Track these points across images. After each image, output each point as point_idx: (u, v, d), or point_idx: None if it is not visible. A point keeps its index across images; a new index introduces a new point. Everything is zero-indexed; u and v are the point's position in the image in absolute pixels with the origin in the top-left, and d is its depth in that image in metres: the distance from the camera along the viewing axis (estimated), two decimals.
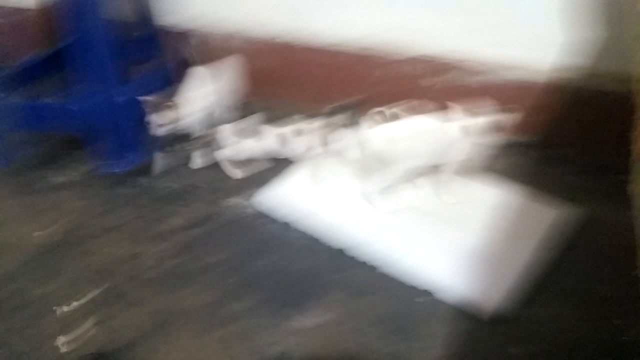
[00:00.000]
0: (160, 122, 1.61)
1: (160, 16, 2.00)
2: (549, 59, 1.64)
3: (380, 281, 1.29)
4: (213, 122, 1.77)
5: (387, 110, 1.47)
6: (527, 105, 1.70)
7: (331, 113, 1.32)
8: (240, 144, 1.65)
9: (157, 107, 1.60)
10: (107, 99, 1.63)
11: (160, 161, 1.72)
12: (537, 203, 1.47)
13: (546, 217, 1.43)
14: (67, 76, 2.04)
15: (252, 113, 1.78)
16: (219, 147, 1.66)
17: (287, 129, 1.72)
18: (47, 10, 1.95)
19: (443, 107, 1.50)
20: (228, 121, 1.76)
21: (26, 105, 1.73)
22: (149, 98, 1.61)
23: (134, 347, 1.15)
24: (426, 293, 1.25)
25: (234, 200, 1.57)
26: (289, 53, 1.92)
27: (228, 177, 1.66)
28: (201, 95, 1.74)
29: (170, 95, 1.68)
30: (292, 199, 1.52)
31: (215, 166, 1.70)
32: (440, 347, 1.13)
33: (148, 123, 1.62)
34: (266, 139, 1.68)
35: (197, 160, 1.72)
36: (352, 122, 1.35)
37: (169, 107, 1.62)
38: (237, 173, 1.66)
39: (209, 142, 1.66)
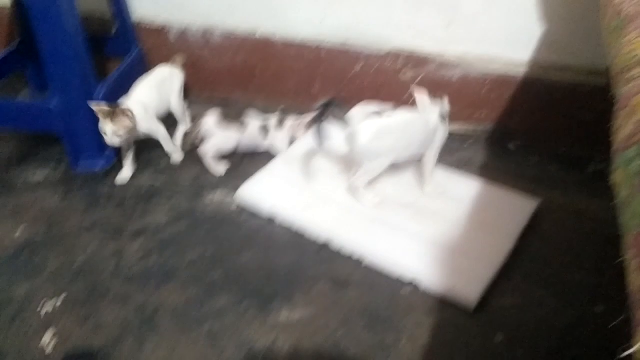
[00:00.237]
0: (116, 132, 1.50)
1: (137, 11, 1.98)
2: (526, 53, 1.67)
3: (365, 274, 1.31)
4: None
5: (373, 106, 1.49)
6: (505, 98, 1.73)
7: (320, 108, 1.31)
8: (224, 135, 1.66)
9: (112, 115, 1.50)
10: (84, 97, 1.61)
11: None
12: (515, 195, 1.50)
13: (525, 208, 1.45)
14: (41, 72, 2.02)
15: (230, 107, 1.78)
16: (202, 140, 1.65)
17: (269, 122, 1.72)
18: (20, 6, 1.91)
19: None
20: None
21: (3, 103, 1.70)
22: (100, 105, 1.51)
23: (120, 343, 1.14)
24: (410, 284, 1.26)
25: (217, 196, 1.57)
26: (269, 48, 1.91)
27: (210, 173, 1.65)
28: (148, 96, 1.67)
29: (124, 99, 1.60)
30: (275, 193, 1.52)
31: (197, 162, 1.69)
32: (426, 336, 1.15)
33: (102, 133, 1.51)
34: (249, 130, 1.69)
35: (176, 155, 1.71)
36: (339, 117, 1.35)
37: (124, 114, 1.51)
38: (220, 170, 1.66)
39: (194, 136, 1.66)
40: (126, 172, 1.64)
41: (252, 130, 1.69)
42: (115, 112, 1.49)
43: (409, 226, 1.39)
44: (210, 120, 1.65)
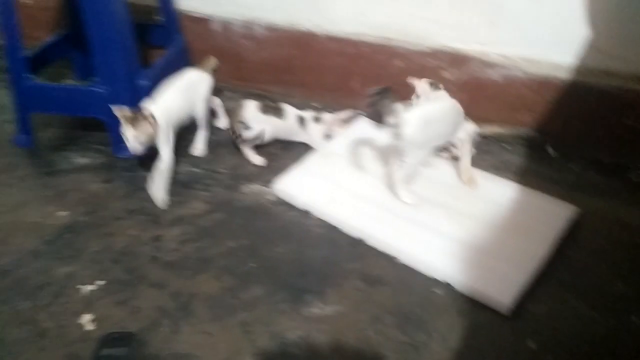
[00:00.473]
0: (137, 137, 1.46)
1: (181, 1, 2.01)
2: (571, 56, 1.64)
3: (398, 272, 1.31)
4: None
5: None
6: (547, 101, 1.70)
7: (376, 93, 1.31)
8: (262, 124, 1.68)
9: (134, 120, 1.46)
10: (130, 83, 1.65)
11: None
12: (553, 200, 1.48)
13: (562, 214, 1.43)
14: (86, 60, 2.06)
15: (268, 100, 1.80)
16: (241, 130, 1.68)
17: (307, 113, 1.74)
18: None
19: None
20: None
21: (51, 87, 1.75)
22: (123, 110, 1.47)
23: (156, 327, 1.17)
24: (444, 285, 1.26)
25: (255, 186, 1.59)
26: (310, 41, 1.92)
27: (248, 163, 1.68)
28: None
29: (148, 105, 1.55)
30: (311, 187, 1.53)
31: (235, 153, 1.72)
32: (457, 339, 1.15)
33: (124, 139, 1.47)
34: (287, 120, 1.71)
35: (199, 146, 1.74)
36: (388, 107, 1.34)
37: (146, 120, 1.48)
38: (258, 160, 1.68)
39: (233, 125, 1.69)
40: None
41: (290, 120, 1.72)
42: (137, 117, 1.46)
43: (444, 227, 1.39)
44: (249, 110, 1.67)
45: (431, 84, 1.61)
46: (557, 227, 1.39)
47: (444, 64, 1.78)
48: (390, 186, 1.49)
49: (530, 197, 1.50)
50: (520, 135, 1.77)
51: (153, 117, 1.49)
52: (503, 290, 1.22)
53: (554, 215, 1.43)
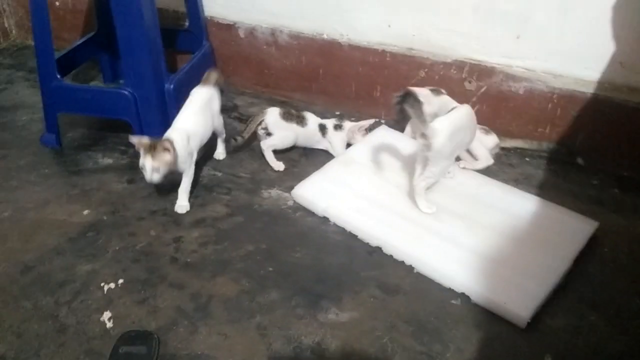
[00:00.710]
0: (156, 168, 1.42)
1: (209, 7, 2.04)
2: (596, 71, 1.63)
3: (415, 281, 1.31)
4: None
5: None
6: (571, 115, 1.69)
7: (402, 96, 1.32)
8: (284, 130, 1.71)
9: (152, 149, 1.42)
10: (156, 86, 1.68)
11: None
12: (574, 215, 1.46)
13: (583, 229, 1.42)
14: (114, 62, 2.11)
15: (290, 107, 1.81)
16: (263, 135, 1.71)
17: (328, 121, 1.76)
18: None
19: None
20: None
21: (79, 89, 1.79)
22: (142, 139, 1.44)
23: (174, 327, 1.18)
24: (462, 295, 1.26)
25: (274, 192, 1.60)
26: (335, 49, 1.94)
27: (269, 169, 1.69)
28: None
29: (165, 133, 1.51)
30: (330, 194, 1.54)
31: (256, 158, 1.74)
32: (473, 350, 1.14)
33: (140, 169, 1.45)
34: (308, 127, 1.74)
35: (220, 150, 1.77)
36: (416, 113, 1.35)
37: (165, 148, 1.43)
38: (279, 166, 1.70)
39: (252, 129, 1.71)
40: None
41: (311, 127, 1.74)
42: (155, 146, 1.42)
43: (462, 238, 1.39)
44: (272, 116, 1.70)
45: (432, 91, 1.65)
46: (577, 242, 1.38)
47: (467, 76, 1.78)
48: (412, 195, 1.49)
49: (550, 211, 1.49)
50: (542, 148, 1.76)
51: (172, 144, 1.44)
52: (520, 303, 1.21)
53: (574, 229, 1.42)
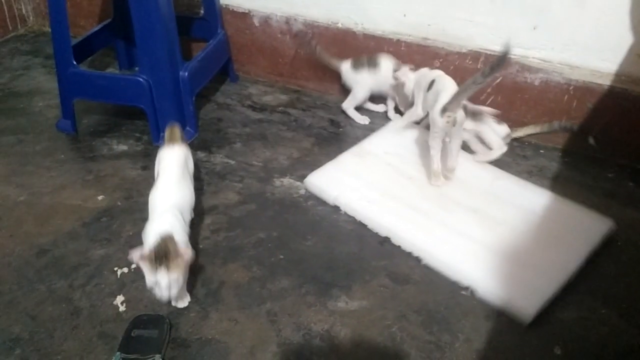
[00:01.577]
0: (174, 278, 1.08)
1: None
2: (613, 63, 1.62)
3: (426, 272, 1.31)
4: None
5: None
6: (586, 107, 1.68)
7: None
8: (359, 79, 1.82)
9: (165, 261, 1.08)
10: (171, 73, 1.69)
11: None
12: (589, 212, 1.44)
13: (598, 228, 1.40)
14: (129, 49, 2.12)
15: (304, 97, 1.81)
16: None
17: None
18: None
19: None
20: None
21: (95, 75, 1.80)
22: (143, 253, 1.08)
23: (186, 311, 1.20)
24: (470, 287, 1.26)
25: (286, 180, 1.61)
26: (349, 38, 1.93)
27: (281, 157, 1.70)
28: None
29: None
30: (342, 184, 1.54)
31: (269, 146, 1.75)
32: (482, 341, 1.15)
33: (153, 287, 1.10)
34: (382, 72, 1.79)
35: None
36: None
37: (177, 253, 1.09)
38: (364, 119, 1.82)
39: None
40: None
41: (385, 72, 1.79)
42: (167, 254, 1.08)
43: (473, 232, 1.38)
44: (345, 67, 1.83)
45: (410, 69, 1.72)
46: (590, 241, 1.35)
47: (482, 66, 1.77)
48: (425, 187, 1.51)
49: (565, 208, 1.47)
50: (557, 140, 1.75)
51: (176, 243, 1.12)
52: (526, 300, 1.20)
53: (589, 228, 1.40)
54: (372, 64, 1.80)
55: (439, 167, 1.51)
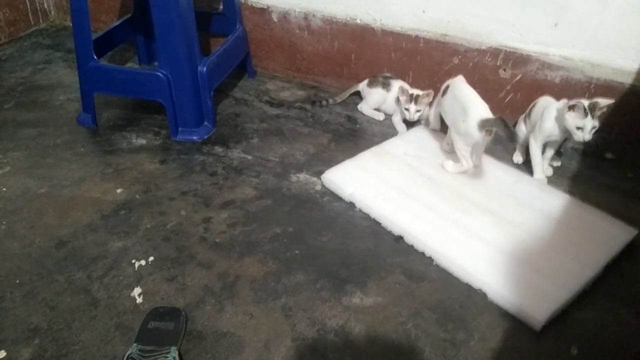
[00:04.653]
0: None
1: None
2: (636, 61, 1.59)
3: (441, 270, 1.31)
4: None
5: None
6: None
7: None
8: (372, 92, 1.87)
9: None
10: (190, 68, 1.70)
11: None
12: (612, 220, 1.41)
13: (619, 236, 1.36)
14: (148, 44, 2.14)
15: (322, 92, 1.81)
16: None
17: (408, 87, 1.81)
18: None
19: None
20: None
21: (115, 70, 1.82)
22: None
23: (202, 304, 1.21)
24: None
25: (303, 176, 1.61)
26: (368, 34, 1.93)
27: (298, 153, 1.70)
28: None
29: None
30: (358, 181, 1.54)
31: (285, 141, 1.75)
32: (498, 340, 1.14)
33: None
34: (392, 90, 1.85)
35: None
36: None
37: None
38: (380, 115, 1.86)
39: None
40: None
41: (394, 91, 1.84)
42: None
43: (488, 234, 1.36)
44: (362, 85, 1.90)
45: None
46: (610, 250, 1.32)
47: (502, 63, 1.75)
48: (442, 187, 1.52)
49: (585, 213, 1.43)
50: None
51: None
52: (538, 306, 1.17)
53: (609, 235, 1.36)
54: (386, 84, 1.86)
55: (471, 166, 1.54)
